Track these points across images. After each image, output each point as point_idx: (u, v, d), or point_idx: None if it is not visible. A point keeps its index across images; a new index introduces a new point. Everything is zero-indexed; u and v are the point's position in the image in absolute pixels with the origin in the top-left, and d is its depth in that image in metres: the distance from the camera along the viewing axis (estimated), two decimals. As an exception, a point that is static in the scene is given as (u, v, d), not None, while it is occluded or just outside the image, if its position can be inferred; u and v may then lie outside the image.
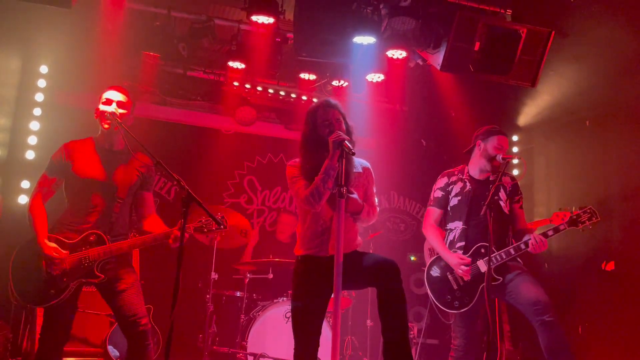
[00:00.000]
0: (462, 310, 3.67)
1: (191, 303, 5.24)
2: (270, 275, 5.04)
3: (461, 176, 3.88)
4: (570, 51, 4.65)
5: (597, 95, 4.81)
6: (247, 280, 4.99)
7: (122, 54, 4.96)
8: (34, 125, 5.21)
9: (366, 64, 4.77)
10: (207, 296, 4.93)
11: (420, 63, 4.77)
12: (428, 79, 5.55)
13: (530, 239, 3.58)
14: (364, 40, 4.24)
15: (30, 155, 5.12)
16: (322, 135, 3.10)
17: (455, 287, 3.73)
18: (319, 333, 3.13)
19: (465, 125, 5.74)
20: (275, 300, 4.80)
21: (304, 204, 3.10)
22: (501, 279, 3.64)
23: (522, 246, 3.61)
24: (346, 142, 2.92)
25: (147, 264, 5.18)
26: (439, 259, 3.85)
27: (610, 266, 4.54)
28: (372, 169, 3.38)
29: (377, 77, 5.54)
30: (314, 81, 5.73)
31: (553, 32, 3.92)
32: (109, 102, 3.34)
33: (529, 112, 5.67)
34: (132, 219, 3.49)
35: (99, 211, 3.28)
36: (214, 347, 4.87)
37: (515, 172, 5.72)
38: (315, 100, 6.15)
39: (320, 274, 3.06)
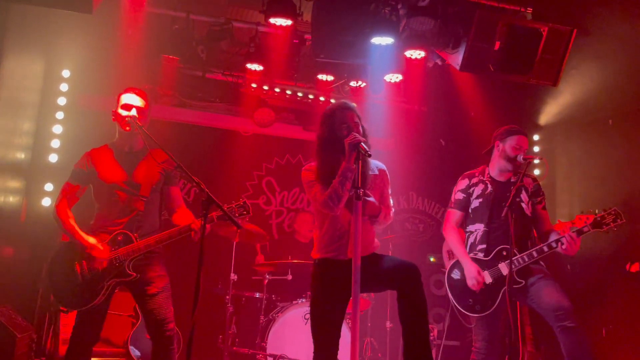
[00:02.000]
0: (483, 314, 3.62)
1: (211, 304, 5.28)
2: (289, 277, 5.05)
3: (482, 178, 3.82)
4: (592, 49, 4.58)
5: (619, 94, 4.73)
6: (266, 281, 5.01)
7: (142, 57, 5.02)
8: (57, 129, 5.29)
9: (384, 64, 4.75)
10: (227, 297, 4.96)
11: (439, 63, 4.74)
12: (447, 79, 5.50)
13: (561, 237, 3.49)
14: (382, 40, 4.22)
15: (53, 158, 5.21)
16: (339, 137, 3.08)
17: (477, 290, 3.67)
18: (339, 336, 3.12)
19: (484, 125, 5.67)
20: (294, 302, 4.81)
21: (323, 208, 3.07)
22: (523, 282, 3.58)
23: (554, 245, 3.52)
24: (362, 143, 2.90)
25: (167, 264, 5.23)
26: (457, 263, 3.80)
27: (635, 267, 4.46)
28: (391, 169, 3.37)
29: (396, 77, 5.51)
30: (331, 82, 5.72)
31: (575, 31, 3.86)
32: (128, 107, 3.38)
33: (550, 111, 5.59)
34: (162, 218, 3.55)
35: (126, 212, 3.36)
36: (234, 348, 4.90)
37: (536, 172, 5.64)
38: (333, 101, 6.15)
39: (339, 277, 3.02)
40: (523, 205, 3.70)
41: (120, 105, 3.39)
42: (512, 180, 3.73)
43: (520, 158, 3.63)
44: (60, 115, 5.33)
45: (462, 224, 3.86)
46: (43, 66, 5.18)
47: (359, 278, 2.73)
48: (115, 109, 3.41)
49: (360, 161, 2.88)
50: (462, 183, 3.86)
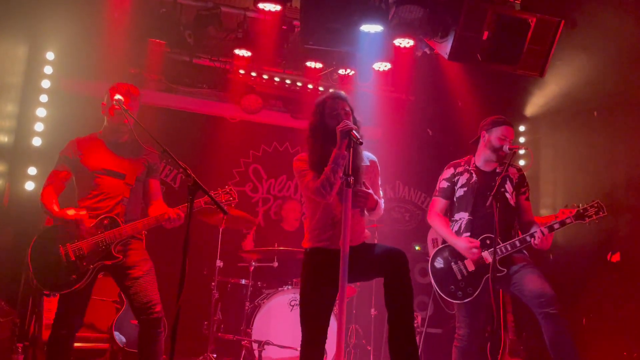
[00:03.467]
0: (466, 301, 3.67)
1: (196, 290, 5.27)
2: (275, 264, 5.06)
3: (467, 167, 3.86)
4: (579, 41, 4.61)
5: (605, 85, 4.77)
6: (252, 268, 5.01)
7: (128, 41, 4.96)
8: (41, 112, 5.21)
9: (373, 52, 4.74)
10: (213, 283, 4.96)
11: (428, 52, 4.74)
12: (435, 68, 5.51)
13: (536, 231, 3.57)
14: (371, 28, 4.21)
15: (37, 142, 5.13)
16: (330, 125, 3.09)
17: (459, 277, 3.73)
18: (328, 325, 3.15)
19: (471, 115, 5.70)
20: (280, 289, 4.82)
21: (315, 196, 3.06)
22: (506, 270, 3.64)
23: (528, 238, 3.60)
24: (354, 131, 2.92)
25: (152, 251, 5.18)
26: (442, 249, 3.85)
27: (616, 257, 4.53)
28: (378, 158, 3.40)
29: (384, 65, 5.50)
30: (320, 69, 5.70)
31: (562, 22, 3.88)
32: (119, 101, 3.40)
33: (536, 102, 5.63)
34: (142, 207, 3.60)
35: (112, 197, 3.40)
36: (219, 334, 4.91)
37: (521, 162, 5.69)
38: (321, 89, 6.13)
39: (331, 266, 2.99)
40: (507, 195, 3.74)
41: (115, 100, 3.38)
42: (497, 170, 3.77)
43: (505, 148, 3.67)
44: (44, 98, 5.25)
45: (447, 213, 3.90)
46: (27, 48, 5.09)
47: (347, 266, 2.75)
48: (108, 104, 3.43)
49: (351, 149, 2.90)
50: (447, 172, 3.90)
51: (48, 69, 5.30)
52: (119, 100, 3.30)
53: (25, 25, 4.83)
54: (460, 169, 3.87)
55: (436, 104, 6.21)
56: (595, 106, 4.93)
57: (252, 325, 4.58)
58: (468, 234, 3.73)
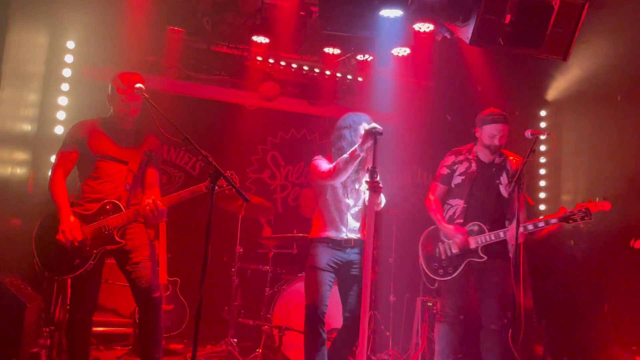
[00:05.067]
0: (445, 279, 3.93)
1: (216, 276, 5.31)
2: (295, 250, 5.09)
3: (468, 156, 4.02)
4: (604, 23, 4.50)
5: (630, 69, 4.66)
6: (272, 254, 5.05)
7: (147, 28, 4.97)
8: (62, 101, 5.26)
9: (392, 37, 4.67)
10: (233, 269, 5.01)
11: (448, 36, 4.67)
12: (455, 53, 5.43)
13: (507, 230, 3.78)
14: (391, 13, 4.15)
15: (59, 130, 5.20)
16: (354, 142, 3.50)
17: (443, 257, 3.98)
18: (328, 288, 3.52)
19: (491, 99, 5.62)
20: (299, 275, 4.85)
21: (323, 177, 3.46)
22: (485, 257, 3.85)
23: (501, 234, 3.80)
24: (379, 132, 3.19)
25: (173, 238, 5.27)
26: (434, 229, 4.08)
27: (638, 244, 4.47)
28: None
29: (403, 51, 5.44)
30: (338, 55, 5.65)
31: (587, 4, 3.79)
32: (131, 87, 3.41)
33: (558, 87, 5.53)
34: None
35: (114, 182, 3.44)
36: (240, 319, 4.97)
37: (543, 148, 5.62)
38: (339, 75, 6.10)
39: (337, 251, 3.54)
40: (501, 187, 3.92)
41: (122, 90, 3.42)
42: (496, 161, 3.95)
43: (528, 134, 3.63)
44: (65, 87, 5.30)
45: (444, 197, 4.09)
46: (48, 37, 5.13)
47: (371, 251, 3.06)
48: (114, 96, 3.46)
49: (374, 147, 3.18)
50: (449, 159, 4.08)
51: (69, 58, 5.34)
52: (140, 88, 3.31)
53: (45, 14, 4.86)
54: (461, 157, 4.03)
55: (455, 89, 6.13)
56: (619, 90, 4.83)
57: (272, 311, 4.63)
58: (461, 220, 3.94)
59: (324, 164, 3.55)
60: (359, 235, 3.64)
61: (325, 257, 3.57)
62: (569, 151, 5.42)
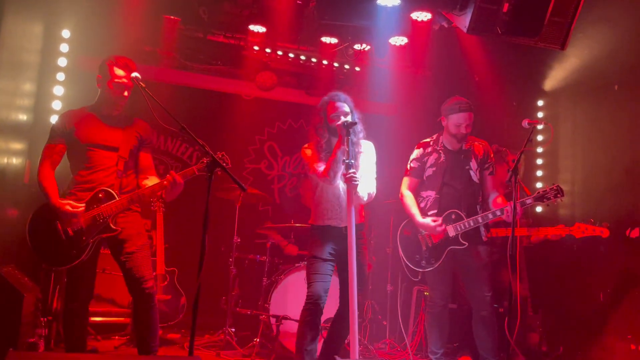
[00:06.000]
0: (428, 270, 3.97)
1: (214, 266, 5.33)
2: (292, 240, 5.09)
3: (436, 147, 4.08)
4: (602, 13, 4.48)
5: (627, 59, 4.65)
6: (269, 244, 5.05)
7: (143, 17, 4.93)
8: (58, 90, 5.23)
9: (390, 26, 4.68)
10: (230, 259, 5.02)
11: (446, 25, 4.65)
12: (452, 42, 5.41)
13: (504, 208, 3.80)
14: (388, 2, 4.15)
15: (55, 119, 5.14)
16: (332, 124, 3.55)
17: (424, 248, 4.01)
18: (329, 278, 3.59)
19: (488, 89, 5.62)
20: (297, 264, 4.86)
21: (322, 182, 3.57)
22: (466, 244, 3.89)
23: (498, 213, 3.81)
24: (350, 124, 3.35)
25: (171, 228, 5.27)
26: (410, 222, 4.08)
27: (635, 233, 4.49)
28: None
29: (401, 40, 5.42)
30: (335, 45, 5.63)
31: (585, -7, 3.78)
32: (124, 74, 3.42)
33: (555, 76, 5.52)
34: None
35: (104, 170, 3.42)
36: (237, 309, 4.98)
37: (540, 137, 5.62)
38: (336, 65, 6.07)
39: (336, 239, 3.60)
40: (472, 172, 3.98)
41: (116, 76, 3.40)
42: (463, 148, 4.01)
43: (525, 123, 3.65)
44: (61, 76, 5.26)
45: (417, 190, 4.11)
46: (43, 26, 5.08)
47: (354, 242, 3.32)
48: (107, 77, 3.42)
49: (347, 139, 3.35)
50: (417, 152, 4.13)
51: (64, 47, 5.30)
52: (136, 78, 3.29)
53: (40, 2, 4.82)
54: (429, 149, 4.09)
55: (453, 79, 6.11)
56: (616, 80, 4.83)
57: (269, 301, 4.64)
58: (435, 211, 3.97)
59: (317, 165, 3.60)
60: (358, 222, 3.64)
61: (325, 246, 3.61)
62: (566, 141, 5.43)
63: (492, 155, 4.08)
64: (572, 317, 4.93)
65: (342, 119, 3.47)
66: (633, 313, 4.39)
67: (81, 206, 3.31)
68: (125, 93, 3.46)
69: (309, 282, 3.60)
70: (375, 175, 3.71)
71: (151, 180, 3.55)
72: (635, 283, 4.44)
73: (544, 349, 4.85)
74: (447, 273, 3.99)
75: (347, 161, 3.33)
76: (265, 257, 5.02)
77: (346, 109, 3.59)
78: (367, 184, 3.61)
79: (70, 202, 3.31)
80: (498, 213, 3.81)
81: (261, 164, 6.57)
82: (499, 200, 3.96)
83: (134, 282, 3.39)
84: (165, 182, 3.35)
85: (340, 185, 3.60)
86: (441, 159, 4.01)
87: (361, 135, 3.65)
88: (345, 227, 3.55)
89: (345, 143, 3.36)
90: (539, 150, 5.66)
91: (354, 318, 3.19)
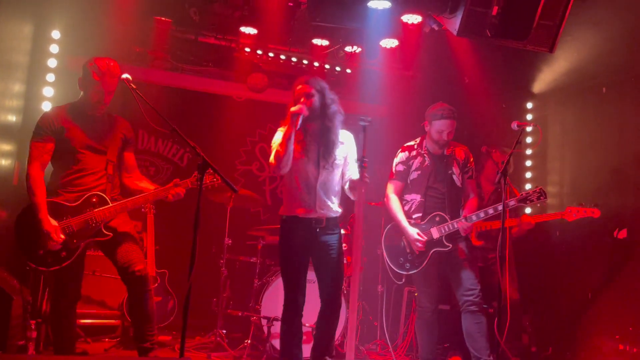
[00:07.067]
0: (412, 273, 3.98)
1: (205, 267, 5.30)
2: (283, 242, 5.08)
3: (420, 150, 4.11)
4: (589, 16, 4.54)
5: (614, 61, 4.71)
6: (261, 246, 5.05)
7: (133, 19, 4.92)
8: (48, 91, 5.20)
9: (380, 29, 4.70)
10: (221, 261, 5.01)
11: (436, 28, 4.68)
12: (442, 45, 5.45)
13: (477, 213, 3.91)
14: (379, 4, 4.17)
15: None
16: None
17: (408, 250, 4.02)
18: (305, 282, 3.52)
19: (478, 92, 5.66)
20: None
21: (273, 171, 3.56)
22: (450, 246, 3.94)
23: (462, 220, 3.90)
24: (301, 114, 3.33)
25: (161, 230, 5.25)
26: (394, 226, 4.11)
27: (622, 234, 4.54)
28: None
29: (392, 42, 5.45)
30: (326, 47, 5.65)
31: (573, -4, 3.82)
32: (111, 74, 3.41)
33: (544, 79, 5.57)
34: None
35: (94, 174, 3.41)
36: (228, 311, 4.97)
37: (529, 139, 5.67)
38: (327, 66, 6.09)
39: (304, 232, 3.49)
40: (454, 177, 4.04)
41: (98, 76, 3.38)
42: (446, 152, 4.06)
43: (514, 125, 3.68)
44: (50, 77, 5.23)
45: (401, 194, 4.14)
46: (33, 27, 5.05)
47: (360, 240, 3.37)
48: (87, 81, 3.40)
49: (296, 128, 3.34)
50: (402, 156, 4.16)
51: (54, 48, 5.27)
52: (127, 79, 3.28)
53: (30, 3, 4.79)
54: (414, 153, 4.12)
55: (443, 81, 6.15)
56: (604, 82, 4.88)
57: (260, 302, 4.64)
58: (420, 214, 4.01)
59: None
60: (331, 214, 3.55)
61: (296, 239, 3.50)
62: (554, 143, 5.48)
63: (472, 160, 4.15)
64: (561, 318, 4.98)
65: (299, 106, 3.38)
66: (621, 313, 4.44)
67: (62, 237, 3.27)
68: (105, 98, 3.43)
69: (284, 282, 3.53)
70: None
71: (144, 184, 3.54)
72: (623, 283, 4.49)
73: (533, 349, 4.89)
74: (432, 275, 4.02)
75: (364, 159, 3.25)
76: (257, 258, 5.02)
77: (309, 90, 3.47)
78: (353, 176, 3.57)
79: (58, 229, 3.26)
80: (462, 220, 3.90)
81: (252, 166, 6.57)
82: (473, 202, 4.07)
83: (123, 267, 3.38)
84: (170, 197, 3.41)
85: (306, 164, 3.49)
86: (426, 163, 4.05)
87: (337, 121, 3.51)
88: (318, 218, 3.50)
89: (294, 129, 3.33)
90: (528, 152, 5.70)
91: (354, 318, 3.14)
